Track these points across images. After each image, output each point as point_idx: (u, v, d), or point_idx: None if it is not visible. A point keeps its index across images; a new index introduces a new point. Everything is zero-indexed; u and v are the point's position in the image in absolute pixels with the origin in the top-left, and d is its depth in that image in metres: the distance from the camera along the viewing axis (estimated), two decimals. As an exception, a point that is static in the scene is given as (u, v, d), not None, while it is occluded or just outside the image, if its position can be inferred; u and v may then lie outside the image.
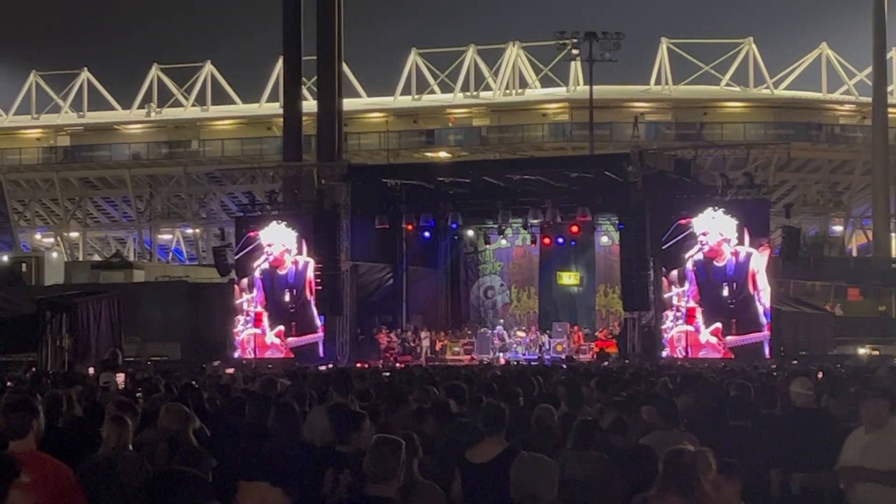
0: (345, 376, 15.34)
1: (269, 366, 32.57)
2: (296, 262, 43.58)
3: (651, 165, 41.10)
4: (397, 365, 36.72)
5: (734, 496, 7.61)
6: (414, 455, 8.47)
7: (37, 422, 8.32)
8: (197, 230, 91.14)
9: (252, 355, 42.83)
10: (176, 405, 11.12)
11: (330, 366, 35.07)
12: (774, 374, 23.25)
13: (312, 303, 43.33)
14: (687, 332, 39.27)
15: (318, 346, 43.01)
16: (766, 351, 38.30)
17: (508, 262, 51.36)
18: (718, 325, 38.85)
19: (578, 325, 47.54)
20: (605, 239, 47.82)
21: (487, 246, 50.87)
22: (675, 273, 39.79)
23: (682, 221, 39.55)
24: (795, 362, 29.98)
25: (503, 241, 49.84)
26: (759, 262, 38.68)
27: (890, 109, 77.27)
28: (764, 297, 38.69)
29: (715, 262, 39.19)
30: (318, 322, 43.26)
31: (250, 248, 44.09)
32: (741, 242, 38.83)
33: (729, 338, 38.69)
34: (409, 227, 47.23)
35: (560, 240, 47.42)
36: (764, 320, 38.61)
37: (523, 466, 8.18)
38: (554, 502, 8.13)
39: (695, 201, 40.43)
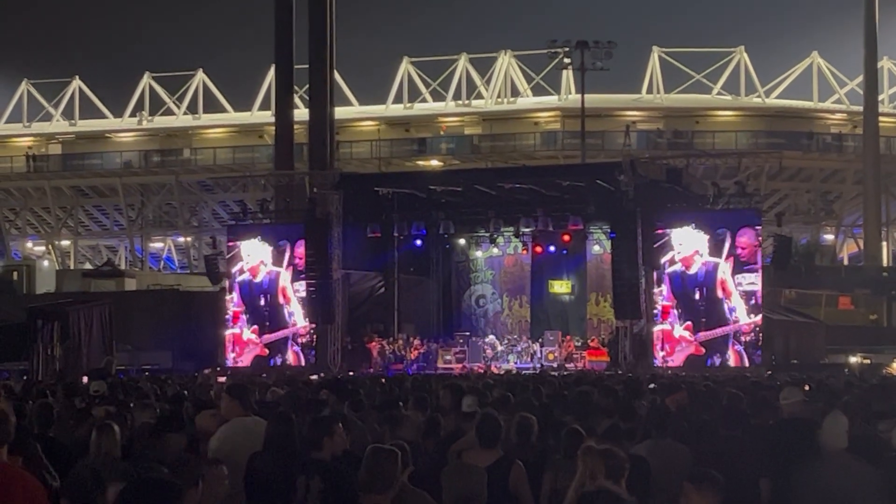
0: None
1: (264, 375, 32.51)
2: (269, 273, 45.11)
3: (643, 174, 41.11)
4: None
5: None
6: (406, 465, 8.46)
7: (7, 432, 8.21)
8: (188, 238, 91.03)
9: (234, 354, 44.82)
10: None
11: (322, 375, 35.03)
12: (768, 383, 23.22)
13: (284, 306, 44.72)
14: (664, 330, 40.52)
15: (288, 340, 44.45)
16: (730, 342, 39.86)
17: (500, 270, 51.32)
18: (690, 322, 40.41)
19: (571, 335, 47.42)
20: (596, 248, 47.81)
21: (479, 254, 50.84)
22: (654, 275, 40.65)
23: (659, 231, 40.45)
24: (795, 374, 30.00)
25: (495, 250, 49.83)
26: (725, 270, 40.07)
27: (881, 118, 77.44)
28: (733, 299, 40.06)
29: (688, 271, 40.52)
30: (289, 320, 44.64)
31: (231, 255, 45.81)
32: (711, 254, 40.21)
33: (700, 333, 40.23)
34: (401, 235, 47.26)
35: (552, 248, 47.40)
36: (730, 316, 40.11)
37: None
38: None
39: (683, 210, 40.75)
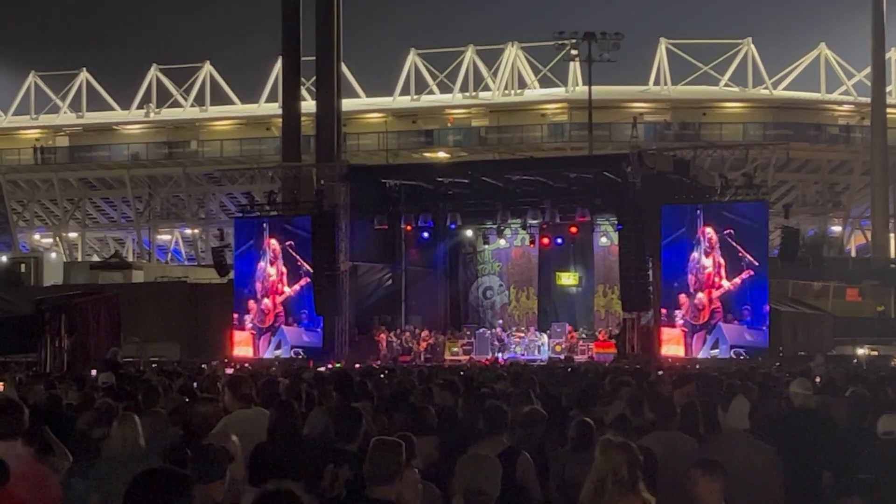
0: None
1: (273, 367, 32.54)
2: (275, 263, 44.78)
3: (650, 166, 41.08)
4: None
5: (710, 493, 7.63)
6: (412, 457, 8.47)
7: (24, 421, 8.26)
8: (196, 231, 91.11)
9: (241, 345, 44.54)
10: None
11: (330, 366, 35.02)
12: (776, 374, 23.22)
13: (291, 297, 44.50)
14: (670, 321, 40.28)
15: (294, 332, 44.21)
16: (736, 332, 39.65)
17: (507, 262, 51.32)
18: (694, 312, 40.07)
19: (575, 326, 47.47)
20: (603, 239, 47.79)
21: (486, 246, 50.83)
22: (660, 266, 40.76)
23: (665, 221, 40.52)
24: (814, 361, 30.06)
25: (502, 242, 49.80)
26: (723, 258, 39.81)
27: (889, 110, 77.31)
28: (736, 285, 39.79)
29: (690, 260, 40.24)
30: (295, 311, 44.36)
31: (238, 247, 45.94)
32: (713, 244, 40.03)
33: (704, 322, 39.94)
34: (408, 227, 47.26)
35: (559, 240, 47.42)
36: (732, 303, 39.97)
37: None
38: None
39: (690, 202, 40.73)
